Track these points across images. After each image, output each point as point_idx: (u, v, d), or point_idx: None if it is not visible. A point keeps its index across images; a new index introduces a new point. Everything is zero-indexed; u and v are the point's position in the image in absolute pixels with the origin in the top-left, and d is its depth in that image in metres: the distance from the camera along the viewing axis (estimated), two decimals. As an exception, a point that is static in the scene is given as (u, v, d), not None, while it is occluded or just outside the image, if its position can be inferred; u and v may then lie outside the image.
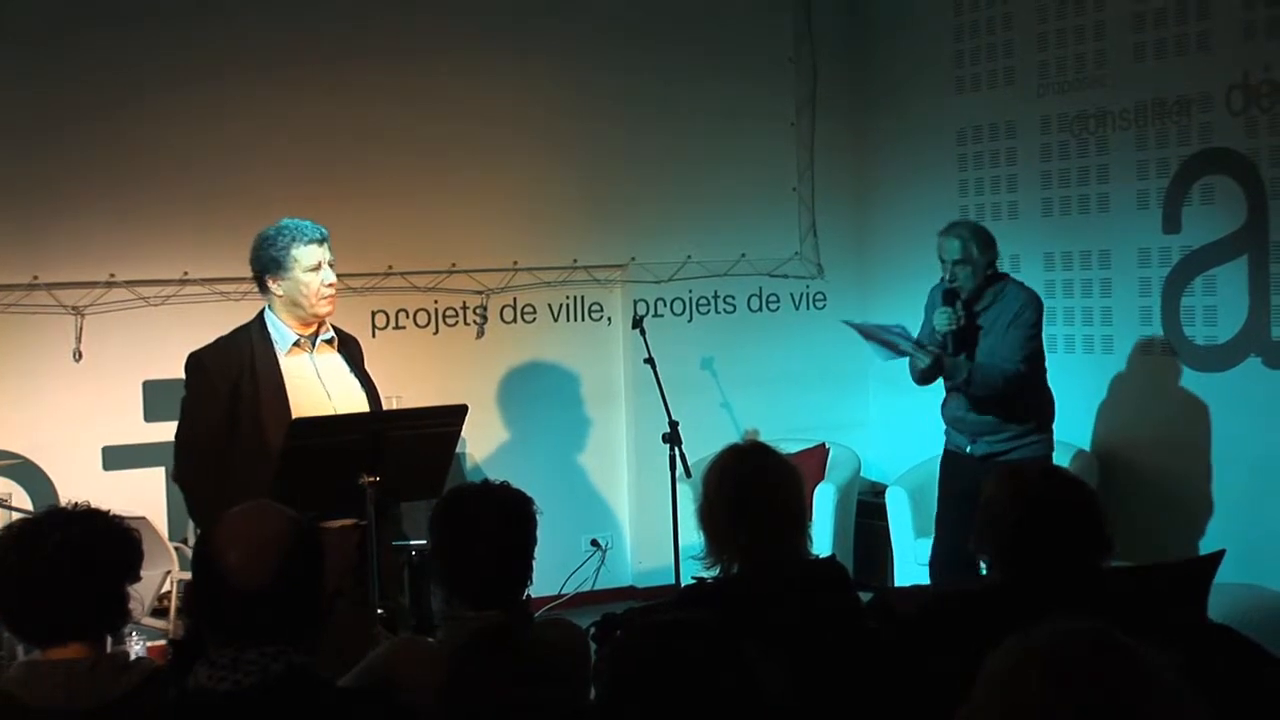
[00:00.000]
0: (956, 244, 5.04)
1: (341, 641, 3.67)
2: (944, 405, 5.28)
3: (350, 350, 4.28)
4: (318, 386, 4.07)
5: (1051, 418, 5.20)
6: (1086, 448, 5.99)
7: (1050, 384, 5.20)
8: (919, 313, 5.33)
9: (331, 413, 4.00)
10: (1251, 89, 5.42)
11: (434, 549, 2.81)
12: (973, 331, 5.08)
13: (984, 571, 2.92)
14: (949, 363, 5.05)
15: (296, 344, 4.10)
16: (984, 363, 5.05)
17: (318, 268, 4.07)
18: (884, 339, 5.18)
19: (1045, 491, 2.72)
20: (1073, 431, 5.92)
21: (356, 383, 4.19)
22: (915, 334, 5.23)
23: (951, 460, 5.28)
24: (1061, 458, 5.61)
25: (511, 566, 2.75)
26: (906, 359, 5.16)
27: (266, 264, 4.08)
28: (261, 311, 4.17)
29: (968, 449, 5.17)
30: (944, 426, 5.32)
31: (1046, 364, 5.21)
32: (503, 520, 2.75)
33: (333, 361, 4.18)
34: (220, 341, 4.13)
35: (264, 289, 4.13)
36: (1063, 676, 1.39)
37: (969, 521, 4.91)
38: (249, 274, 4.21)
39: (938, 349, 5.08)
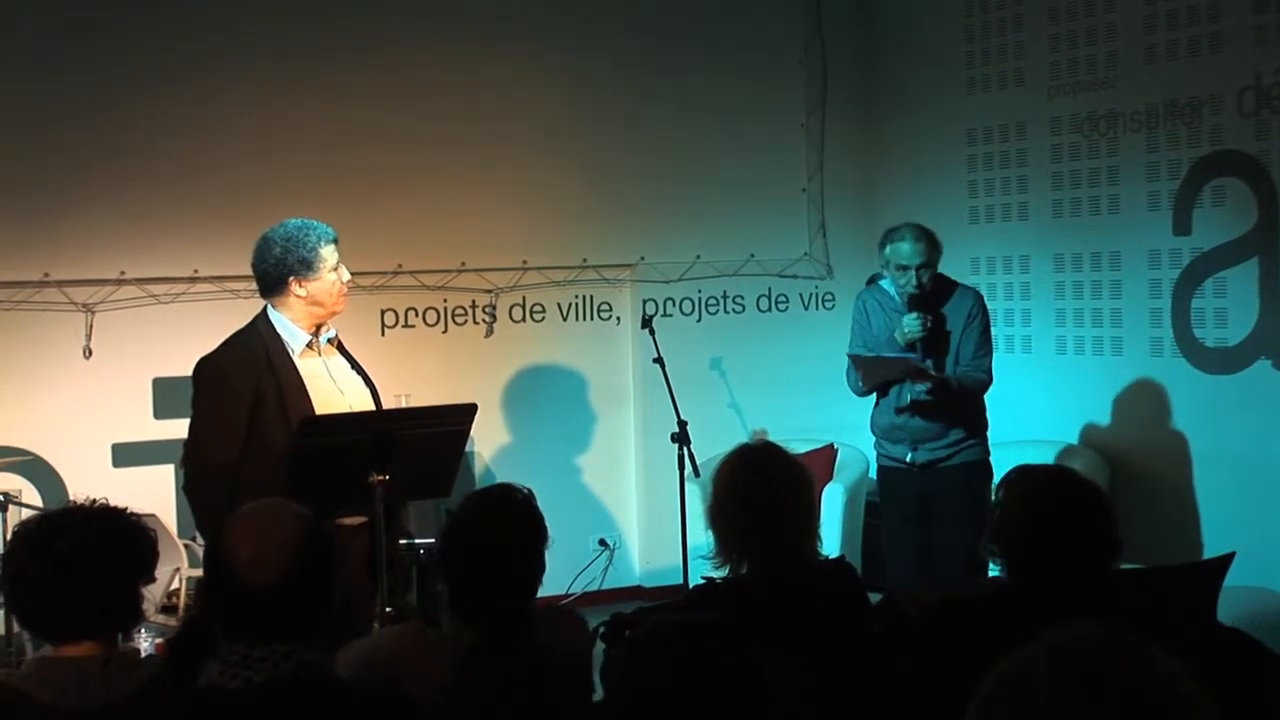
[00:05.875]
0: (920, 246, 4.87)
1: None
2: (874, 415, 5.10)
3: (344, 349, 4.23)
4: (332, 386, 4.04)
5: (987, 420, 5.10)
6: (1095, 449, 5.98)
7: (1062, 384, 5.14)
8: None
9: (347, 411, 3.97)
10: (1263, 91, 5.40)
11: (439, 564, 2.78)
12: (942, 336, 4.93)
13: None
14: (952, 384, 4.85)
15: (309, 345, 4.05)
16: (963, 373, 4.93)
17: (337, 266, 4.05)
18: (885, 367, 4.95)
19: (1056, 494, 2.72)
20: (1082, 433, 5.91)
21: (361, 381, 4.18)
22: (848, 347, 5.07)
23: (891, 476, 5.11)
24: (1071, 459, 5.60)
25: (520, 578, 2.71)
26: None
27: (294, 266, 3.96)
28: (262, 313, 4.05)
29: (908, 458, 5.00)
30: (874, 440, 5.18)
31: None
32: (509, 533, 2.71)
33: (339, 360, 4.15)
34: (232, 345, 4.01)
35: (280, 291, 4.00)
36: (1074, 680, 1.39)
37: (926, 534, 4.87)
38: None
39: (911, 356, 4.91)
